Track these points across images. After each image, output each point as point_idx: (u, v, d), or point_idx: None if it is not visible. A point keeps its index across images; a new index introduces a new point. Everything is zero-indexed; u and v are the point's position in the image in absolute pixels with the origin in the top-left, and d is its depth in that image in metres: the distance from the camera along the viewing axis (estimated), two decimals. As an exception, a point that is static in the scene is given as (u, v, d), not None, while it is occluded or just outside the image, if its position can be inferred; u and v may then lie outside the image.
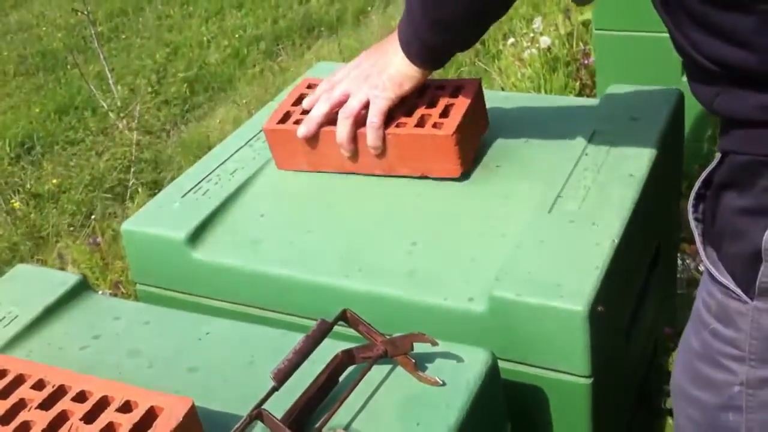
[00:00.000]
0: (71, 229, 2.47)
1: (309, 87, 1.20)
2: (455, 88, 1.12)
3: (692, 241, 0.79)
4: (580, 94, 2.27)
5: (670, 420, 1.27)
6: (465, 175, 1.09)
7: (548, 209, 1.01)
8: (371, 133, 1.06)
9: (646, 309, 1.15)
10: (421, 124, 1.07)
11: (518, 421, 0.91)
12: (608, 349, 0.96)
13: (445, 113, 1.08)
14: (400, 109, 1.09)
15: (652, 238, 1.15)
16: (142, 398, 0.72)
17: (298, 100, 1.17)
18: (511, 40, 2.71)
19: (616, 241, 0.95)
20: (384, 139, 1.07)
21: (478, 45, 2.94)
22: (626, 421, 1.15)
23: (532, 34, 2.60)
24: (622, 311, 1.04)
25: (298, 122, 1.12)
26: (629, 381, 1.15)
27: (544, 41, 2.45)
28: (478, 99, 1.12)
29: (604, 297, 0.89)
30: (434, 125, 1.06)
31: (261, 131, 1.25)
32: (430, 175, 1.09)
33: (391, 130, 1.07)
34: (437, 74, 2.50)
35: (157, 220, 1.08)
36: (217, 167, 1.18)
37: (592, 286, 0.88)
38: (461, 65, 2.80)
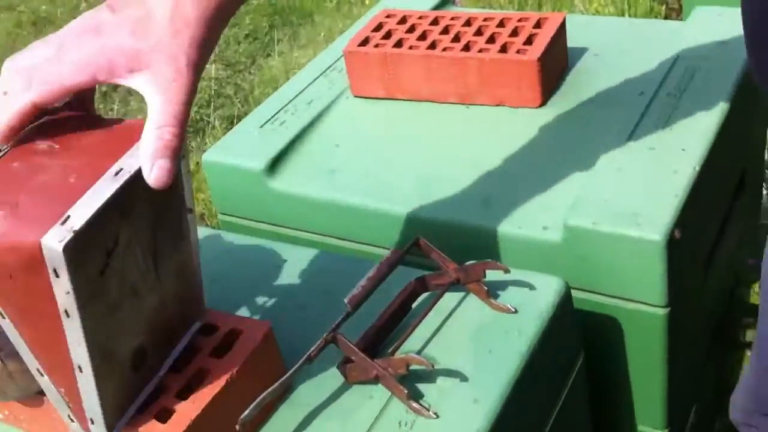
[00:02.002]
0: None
1: (388, 17, 1.20)
2: (539, 20, 1.11)
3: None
4: (666, 19, 2.19)
5: (748, 352, 1.25)
6: (542, 103, 1.07)
7: (628, 136, 0.99)
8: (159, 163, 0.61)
9: (727, 239, 1.12)
10: (504, 50, 1.06)
11: (593, 350, 0.90)
12: (686, 280, 0.94)
13: (528, 41, 1.07)
14: (480, 36, 1.09)
15: (736, 166, 1.12)
16: (222, 321, 0.74)
17: (378, 27, 1.18)
18: (595, -37, 2.61)
19: (697, 168, 0.92)
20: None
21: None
22: (704, 352, 1.14)
23: (616, -43, 2.50)
24: (702, 241, 1.02)
25: (377, 46, 1.13)
26: (708, 312, 1.13)
27: (630, -36, 2.35)
28: (561, 33, 1.10)
29: (682, 226, 0.87)
30: (518, 51, 1.05)
31: (336, 61, 1.25)
32: (509, 104, 1.08)
33: (474, 54, 1.06)
34: (519, 7, 2.44)
35: (235, 151, 1.10)
36: (294, 98, 1.19)
37: (670, 214, 0.87)
38: (542, -9, 2.73)
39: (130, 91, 2.99)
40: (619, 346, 0.94)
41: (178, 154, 0.58)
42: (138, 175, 0.60)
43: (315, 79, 1.22)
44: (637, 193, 0.90)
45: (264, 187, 1.06)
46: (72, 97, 0.64)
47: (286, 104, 1.17)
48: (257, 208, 1.09)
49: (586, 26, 1.23)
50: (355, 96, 1.17)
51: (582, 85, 1.10)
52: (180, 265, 0.70)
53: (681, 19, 2.00)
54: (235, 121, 2.62)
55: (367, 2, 3.41)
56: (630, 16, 2.17)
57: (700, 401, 1.15)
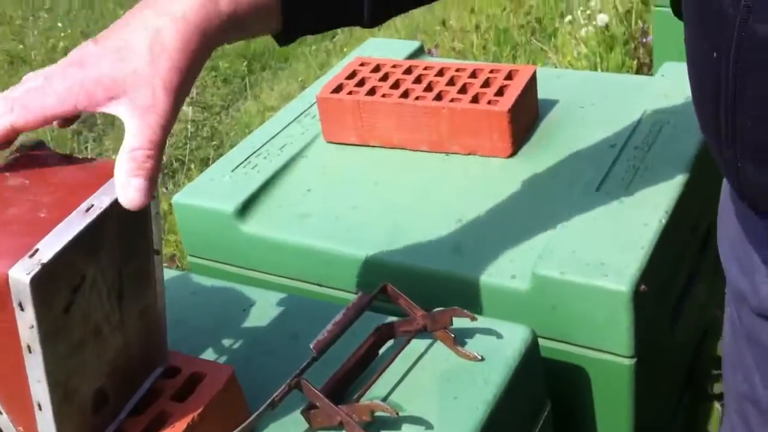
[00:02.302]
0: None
1: (362, 65, 1.21)
2: (510, 72, 1.13)
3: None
4: (637, 73, 2.23)
5: (717, 405, 1.25)
6: (513, 153, 1.08)
7: (596, 187, 1.00)
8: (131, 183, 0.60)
9: (695, 291, 1.13)
10: (475, 100, 1.08)
11: (559, 400, 0.90)
12: (653, 331, 0.95)
13: (500, 92, 1.08)
14: (453, 86, 1.10)
15: (702, 220, 1.13)
16: (184, 364, 0.73)
17: (351, 75, 1.19)
18: (568, 17, 2.67)
19: (664, 221, 0.93)
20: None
21: (534, 24, 2.90)
22: (672, 404, 1.14)
23: (589, 12, 2.56)
24: (669, 292, 1.02)
25: (350, 93, 1.14)
26: (676, 363, 1.14)
27: (602, 19, 2.41)
28: (531, 84, 1.12)
29: (649, 277, 0.88)
30: (489, 102, 1.07)
31: (310, 107, 1.26)
32: (480, 153, 1.09)
33: (445, 104, 1.08)
34: (494, 59, 2.47)
35: (207, 193, 1.10)
36: (267, 142, 1.19)
37: (637, 265, 0.87)
38: (516, 44, 2.77)
39: (105, 131, 2.99)
40: (586, 396, 0.94)
41: (154, 176, 0.58)
42: (108, 213, 0.60)
43: (288, 124, 1.23)
44: (604, 244, 0.91)
45: (234, 230, 1.06)
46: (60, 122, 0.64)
47: (259, 148, 1.18)
48: (227, 251, 1.08)
49: (558, 79, 1.25)
50: (327, 142, 1.17)
51: (552, 136, 1.11)
52: (144, 307, 0.69)
53: (651, 74, 2.04)
54: (210, 163, 2.62)
55: (345, 50, 3.44)
56: (602, 70, 2.21)
57: (668, 453, 1.15)
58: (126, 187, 0.58)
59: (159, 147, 0.58)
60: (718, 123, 0.59)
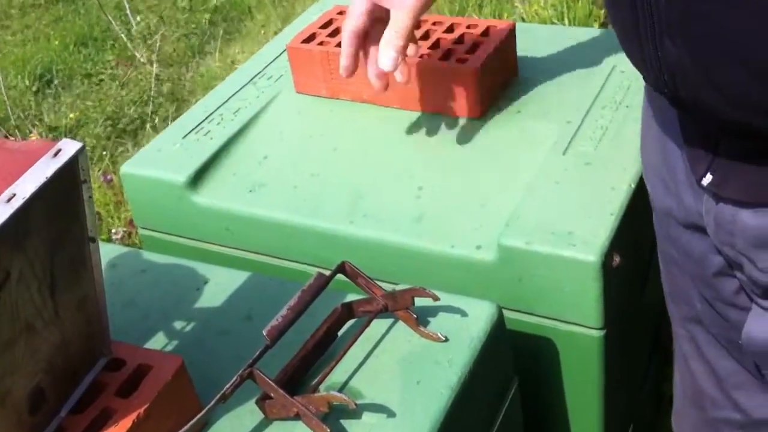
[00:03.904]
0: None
1: (340, 13, 1.16)
2: (486, 28, 1.07)
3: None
4: (604, 24, 2.18)
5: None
6: (483, 114, 1.04)
7: (563, 151, 0.96)
8: (384, 51, 0.88)
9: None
10: (446, 57, 1.03)
11: (527, 373, 0.87)
12: (622, 300, 0.92)
13: (472, 50, 1.03)
14: (425, 41, 1.05)
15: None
16: (130, 355, 0.69)
17: (327, 24, 1.14)
18: (536, -35, 2.60)
19: (633, 185, 0.90)
20: (398, 63, 0.88)
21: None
22: (641, 370, 1.12)
23: (557, -41, 2.49)
24: (638, 260, 0.99)
25: (322, 44, 1.09)
26: (644, 330, 1.11)
27: (570, -34, 2.34)
28: (508, 41, 1.07)
29: (618, 246, 0.84)
30: (459, 60, 1.02)
31: (266, 66, 1.20)
32: (448, 112, 1.04)
33: (414, 60, 1.03)
34: (460, 7, 2.40)
35: (156, 163, 1.05)
36: (220, 106, 1.14)
37: (606, 234, 0.84)
38: (484, -8, 2.70)
39: (64, 88, 2.90)
40: (555, 369, 0.92)
41: (401, 51, 0.87)
42: (33, 202, 0.55)
43: (243, 87, 1.17)
44: (572, 211, 0.87)
45: (186, 201, 1.01)
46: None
47: (212, 113, 1.12)
48: (179, 223, 1.04)
49: (523, 33, 1.19)
50: (298, 92, 1.12)
51: (519, 96, 1.07)
52: (82, 297, 0.65)
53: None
54: (169, 122, 2.55)
55: (307, 1, 3.35)
56: (569, 18, 2.16)
57: (638, 419, 1.13)
58: (383, 55, 0.87)
59: (406, 31, 0.86)
60: (635, 12, 0.58)
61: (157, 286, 0.87)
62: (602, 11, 2.18)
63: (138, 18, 3.32)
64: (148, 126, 2.59)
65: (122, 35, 3.16)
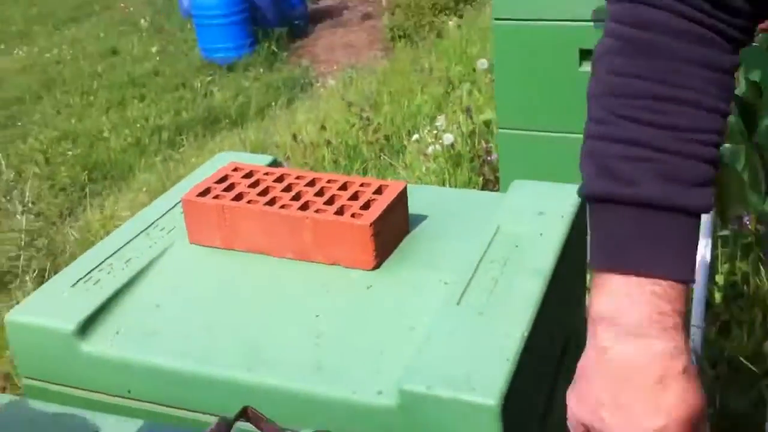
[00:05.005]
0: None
1: (235, 170, 1.18)
2: (380, 187, 1.13)
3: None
4: (483, 189, 2.31)
5: None
6: (376, 266, 1.07)
7: (457, 301, 0.99)
8: None
9: (559, 396, 1.13)
10: (340, 212, 1.07)
11: None
12: (521, 443, 0.93)
13: (366, 206, 1.08)
14: (320, 198, 1.09)
15: (560, 332, 1.15)
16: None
17: (222, 179, 1.16)
18: (416, 136, 2.75)
19: (526, 333, 0.93)
20: None
21: (383, 141, 2.97)
22: None
23: (435, 131, 2.65)
24: (535, 402, 1.02)
25: (217, 197, 1.12)
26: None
27: (447, 138, 2.49)
28: (400, 199, 1.12)
29: (515, 389, 0.87)
30: (353, 215, 1.05)
31: (159, 218, 1.21)
32: (343, 264, 1.07)
33: (309, 214, 1.06)
34: (345, 173, 2.49)
35: (43, 311, 1.02)
36: (111, 255, 1.12)
37: (503, 378, 0.86)
38: (366, 160, 2.82)
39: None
40: None
41: None
42: None
43: (135, 237, 1.16)
44: (469, 358, 0.89)
45: (74, 349, 0.98)
46: None
47: (101, 263, 1.10)
48: (67, 373, 0.99)
49: (410, 193, 1.25)
50: (192, 243, 1.12)
51: (416, 250, 1.11)
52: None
53: (498, 191, 2.11)
54: (47, 276, 2.47)
55: (193, 161, 3.40)
56: (450, 185, 2.27)
57: None
58: None
59: None
60: None
61: (42, 437, 0.82)
62: (480, 178, 2.31)
63: (12, 172, 3.26)
64: (19, 280, 2.50)
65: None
